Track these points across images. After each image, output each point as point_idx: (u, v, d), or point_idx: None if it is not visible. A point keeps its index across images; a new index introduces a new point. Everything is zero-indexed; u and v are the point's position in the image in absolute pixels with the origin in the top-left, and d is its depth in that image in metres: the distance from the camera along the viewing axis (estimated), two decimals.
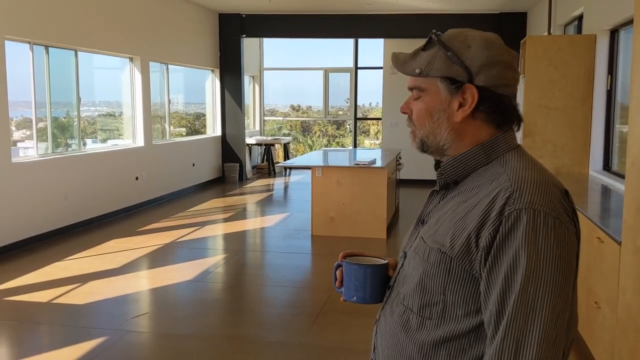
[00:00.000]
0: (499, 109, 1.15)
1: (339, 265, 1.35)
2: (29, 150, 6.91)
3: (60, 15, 6.79)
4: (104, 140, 8.58)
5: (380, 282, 1.29)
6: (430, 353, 1.12)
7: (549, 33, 7.37)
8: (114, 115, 8.90)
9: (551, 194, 1.06)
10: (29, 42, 6.41)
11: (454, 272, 1.08)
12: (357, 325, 4.20)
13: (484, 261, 1.04)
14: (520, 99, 6.17)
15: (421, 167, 9.81)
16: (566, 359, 1.09)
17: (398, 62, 1.22)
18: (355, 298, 1.30)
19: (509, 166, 1.11)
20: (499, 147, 1.15)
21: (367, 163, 6.74)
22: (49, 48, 6.77)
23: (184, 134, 10.80)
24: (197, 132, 11.21)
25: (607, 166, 5.59)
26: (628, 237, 2.69)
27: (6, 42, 5.96)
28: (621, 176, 4.81)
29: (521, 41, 6.25)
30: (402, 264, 1.24)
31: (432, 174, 1.34)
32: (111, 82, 8.77)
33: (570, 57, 5.66)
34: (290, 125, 15.39)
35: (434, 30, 1.20)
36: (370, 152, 9.20)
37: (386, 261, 1.31)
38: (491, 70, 1.13)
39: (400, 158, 8.35)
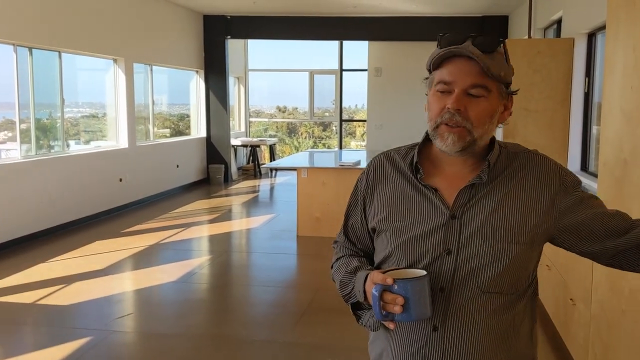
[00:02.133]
0: None
1: (384, 289, 1.19)
2: (12, 152, 6.88)
3: (44, 17, 6.78)
4: (87, 142, 8.56)
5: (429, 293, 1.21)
6: (519, 320, 1.31)
7: (529, 36, 7.49)
8: (97, 117, 8.90)
9: None
10: (13, 44, 6.40)
11: (537, 241, 1.29)
12: (341, 323, 4.25)
13: (571, 208, 1.29)
14: None
15: None
16: None
17: (486, 61, 1.23)
18: (421, 316, 1.19)
19: (520, 147, 1.38)
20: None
21: (351, 164, 6.81)
22: (33, 50, 6.75)
23: (167, 135, 10.79)
24: (180, 134, 11.21)
25: (584, 167, 5.71)
26: None
27: None
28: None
29: None
30: (455, 259, 1.25)
31: None
32: (95, 84, 8.76)
33: (549, 60, 5.77)
34: (277, 127, 15.43)
35: (501, 38, 1.26)
36: (356, 153, 9.27)
37: (424, 272, 1.24)
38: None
39: None
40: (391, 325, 1.22)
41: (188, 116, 11.55)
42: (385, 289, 1.19)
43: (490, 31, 10.36)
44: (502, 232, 1.25)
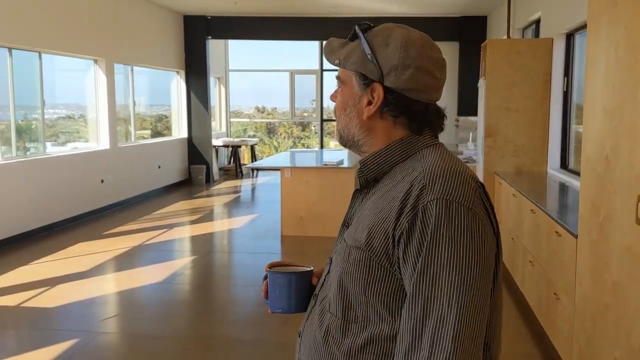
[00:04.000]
0: (406, 113, 1.11)
1: (266, 277, 1.29)
2: None
3: (24, 17, 6.70)
4: (64, 144, 8.47)
5: (304, 291, 1.24)
6: (356, 358, 1.06)
7: (508, 36, 7.61)
8: (73, 118, 8.82)
9: (466, 184, 1.02)
10: None
11: (374, 270, 1.03)
12: None
13: (402, 256, 1.00)
14: (482, 101, 6.36)
15: None
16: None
17: (327, 49, 1.19)
18: (280, 309, 1.26)
19: (425, 160, 1.08)
20: (417, 143, 1.12)
21: (335, 163, 6.85)
22: (13, 50, 6.67)
23: (145, 136, 10.72)
24: (159, 134, 11.15)
25: (564, 164, 5.82)
26: (584, 231, 2.85)
27: None
28: (577, 174, 5.03)
29: (482, 44, 6.45)
30: (328, 270, 1.18)
31: None
32: (74, 85, 8.68)
33: (529, 60, 5.87)
34: (256, 127, 15.42)
35: (361, 22, 1.15)
36: (337, 153, 9.31)
37: (310, 268, 1.26)
38: (402, 73, 1.08)
39: None
40: (269, 311, 1.30)
41: (166, 117, 11.49)
42: (265, 277, 1.30)
43: (468, 32, 10.50)
44: (344, 247, 1.10)
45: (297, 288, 1.24)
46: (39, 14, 6.98)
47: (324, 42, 1.23)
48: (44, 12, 7.07)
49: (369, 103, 1.12)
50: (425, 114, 1.12)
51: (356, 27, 1.14)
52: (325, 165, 6.89)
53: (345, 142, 1.19)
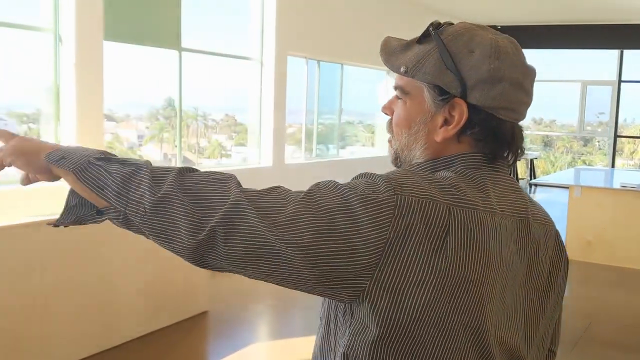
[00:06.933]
0: (492, 136, 0.91)
1: None
2: (295, 154, 7.70)
3: (330, 34, 7.47)
4: (343, 147, 9.12)
5: None
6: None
7: None
8: (352, 123, 9.53)
9: (419, 179, 0.87)
10: (305, 57, 7.18)
11: None
12: (613, 358, 3.88)
13: None
14: None
15: None
16: None
17: (385, 52, 0.97)
18: None
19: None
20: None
21: (636, 185, 6.18)
22: (320, 62, 7.49)
23: None
24: None
25: None
26: None
27: (288, 57, 6.76)
28: None
29: None
30: None
31: None
32: (363, 93, 9.38)
33: None
34: (530, 139, 14.72)
35: (435, 22, 0.94)
36: (633, 173, 8.40)
37: None
38: (492, 88, 0.89)
39: None
40: None
41: None
42: None
43: None
44: None
45: None
46: (342, 31, 7.71)
47: (382, 42, 1.01)
48: (346, 29, 7.78)
49: (446, 122, 0.91)
50: (514, 137, 0.93)
51: (432, 28, 0.93)
52: (624, 186, 6.24)
53: (401, 164, 0.99)
